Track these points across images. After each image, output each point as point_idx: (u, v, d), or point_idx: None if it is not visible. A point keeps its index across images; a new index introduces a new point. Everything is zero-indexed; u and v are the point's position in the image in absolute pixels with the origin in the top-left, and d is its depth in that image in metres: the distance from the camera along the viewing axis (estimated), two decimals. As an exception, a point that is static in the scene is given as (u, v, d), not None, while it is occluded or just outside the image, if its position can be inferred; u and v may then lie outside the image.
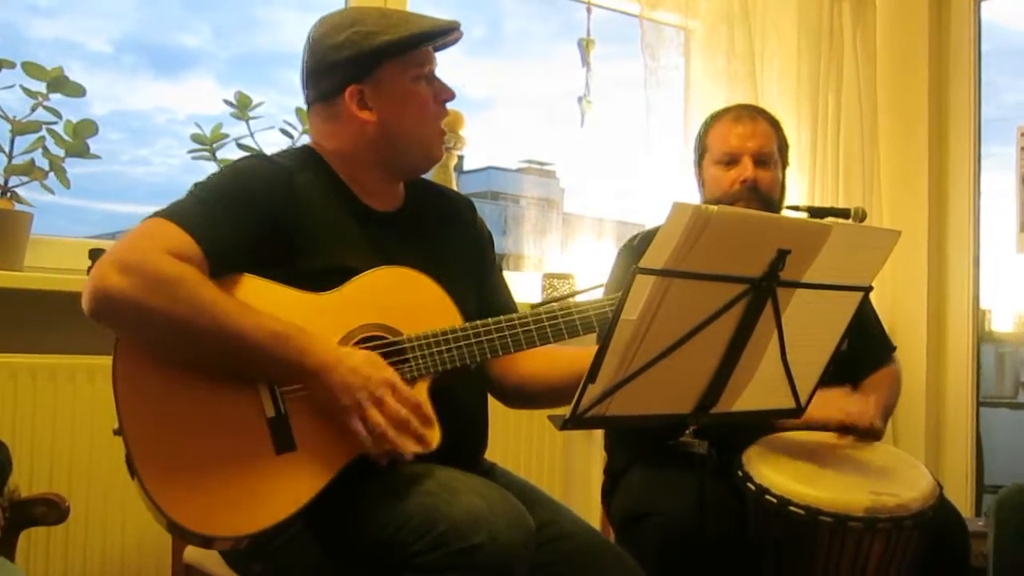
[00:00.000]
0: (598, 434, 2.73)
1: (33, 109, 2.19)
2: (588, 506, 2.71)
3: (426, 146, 1.73)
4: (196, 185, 1.59)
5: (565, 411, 1.38)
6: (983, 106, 3.67)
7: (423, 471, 1.49)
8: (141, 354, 1.47)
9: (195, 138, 2.43)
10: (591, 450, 2.90)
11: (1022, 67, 3.97)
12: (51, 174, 2.21)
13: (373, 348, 1.55)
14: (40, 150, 2.20)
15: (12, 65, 2.16)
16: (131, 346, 1.47)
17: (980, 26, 3.67)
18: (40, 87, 2.19)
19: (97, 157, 2.26)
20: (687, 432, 1.57)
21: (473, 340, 1.60)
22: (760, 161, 2.26)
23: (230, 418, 1.48)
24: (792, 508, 1.77)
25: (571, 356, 1.73)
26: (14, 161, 2.20)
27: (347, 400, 1.45)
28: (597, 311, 1.67)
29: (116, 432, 1.45)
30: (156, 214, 1.50)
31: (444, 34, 1.70)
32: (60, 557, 2.16)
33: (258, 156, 1.71)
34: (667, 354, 1.37)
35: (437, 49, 1.75)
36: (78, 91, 2.22)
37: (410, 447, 1.47)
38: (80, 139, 2.22)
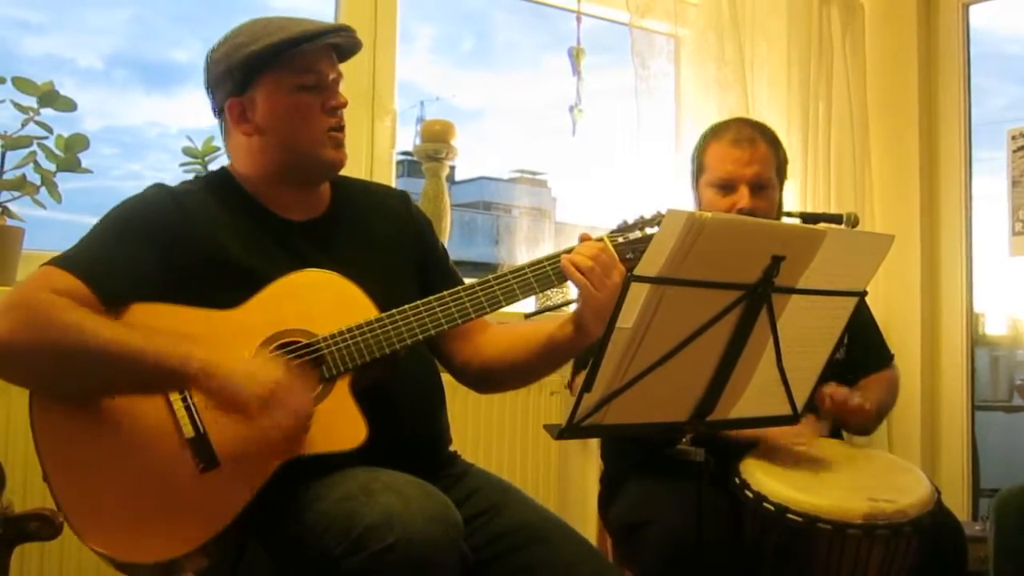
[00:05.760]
0: (594, 443, 2.73)
1: (24, 124, 2.18)
2: (585, 515, 2.70)
3: (315, 154, 1.69)
4: (94, 226, 1.60)
5: (561, 420, 1.38)
6: (972, 110, 3.68)
7: (346, 475, 1.49)
8: (55, 400, 1.49)
9: (186, 151, 2.42)
10: (587, 459, 2.89)
11: (1010, 71, 3.99)
12: (43, 189, 2.20)
13: (289, 353, 1.55)
14: (31, 165, 2.19)
15: (3, 80, 2.15)
16: (43, 394, 1.49)
17: (968, 31, 3.69)
18: (31, 102, 2.18)
19: (88, 171, 2.25)
20: (684, 440, 1.57)
21: (390, 327, 1.60)
22: (758, 187, 2.23)
23: (151, 445, 1.49)
24: (790, 516, 1.76)
25: (528, 331, 1.74)
26: (5, 176, 2.18)
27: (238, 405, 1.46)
28: (518, 278, 1.66)
29: (44, 479, 1.46)
30: (45, 263, 1.52)
31: (312, 39, 1.64)
32: (54, 573, 2.15)
33: (153, 186, 1.69)
34: (663, 362, 1.37)
35: (342, 59, 1.72)
36: (69, 105, 2.21)
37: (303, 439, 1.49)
38: (71, 153, 2.21)
